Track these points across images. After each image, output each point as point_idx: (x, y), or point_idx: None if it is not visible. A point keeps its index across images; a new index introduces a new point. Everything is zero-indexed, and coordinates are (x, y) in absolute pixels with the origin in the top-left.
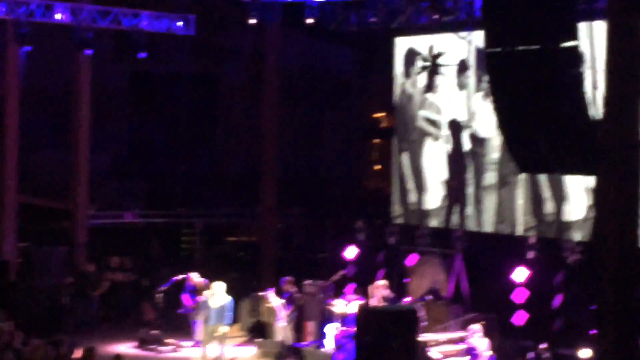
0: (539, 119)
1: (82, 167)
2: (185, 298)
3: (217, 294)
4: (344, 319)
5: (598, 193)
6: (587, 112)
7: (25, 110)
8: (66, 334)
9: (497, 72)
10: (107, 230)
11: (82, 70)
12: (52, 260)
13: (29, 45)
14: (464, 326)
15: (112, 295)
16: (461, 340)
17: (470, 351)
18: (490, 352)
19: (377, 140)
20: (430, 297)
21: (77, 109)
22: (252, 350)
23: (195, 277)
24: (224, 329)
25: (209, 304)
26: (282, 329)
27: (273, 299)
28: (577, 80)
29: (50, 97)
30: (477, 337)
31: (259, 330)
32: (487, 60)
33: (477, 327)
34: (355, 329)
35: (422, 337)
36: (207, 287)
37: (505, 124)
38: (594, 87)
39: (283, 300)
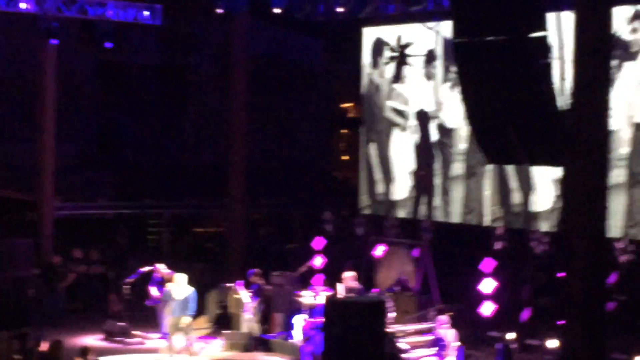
0: (507, 109)
1: (48, 158)
2: (152, 289)
3: (180, 286)
4: (312, 311)
5: (565, 184)
6: (555, 103)
7: None
8: (33, 327)
9: (465, 63)
10: (74, 221)
11: (47, 60)
12: (18, 253)
13: None
14: (431, 317)
15: (79, 288)
16: (429, 331)
17: (438, 342)
18: (458, 343)
19: (345, 131)
20: (398, 288)
21: (43, 99)
22: (219, 342)
23: (162, 269)
24: (187, 320)
25: (173, 295)
26: (248, 320)
27: (241, 291)
28: (546, 70)
29: (15, 87)
30: (445, 328)
31: (226, 322)
32: (455, 51)
33: (444, 318)
34: (323, 320)
35: (390, 328)
36: (173, 278)
37: (473, 114)
38: (562, 78)
39: (250, 292)
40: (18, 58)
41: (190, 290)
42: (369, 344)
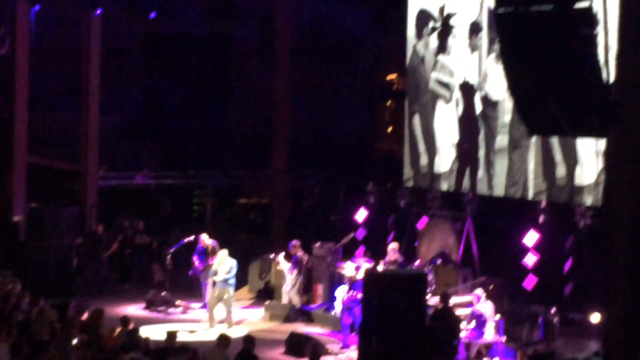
0: (550, 80)
1: (92, 128)
2: (195, 260)
3: (222, 260)
4: (354, 283)
5: (610, 156)
6: (600, 74)
7: (35, 70)
8: (75, 296)
9: (508, 34)
10: (118, 191)
11: (92, 30)
12: (62, 221)
13: (38, 4)
14: (473, 290)
15: (122, 257)
16: (470, 304)
17: (477, 316)
18: (497, 316)
19: (389, 103)
20: (440, 260)
21: (87, 70)
22: (261, 313)
23: (205, 239)
24: (230, 292)
25: (218, 270)
26: (287, 292)
27: (282, 262)
28: (590, 41)
29: (60, 57)
30: (483, 302)
31: (268, 293)
32: (497, 21)
33: (480, 293)
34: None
35: (431, 301)
36: (216, 249)
37: (515, 86)
38: (607, 49)
39: (290, 264)
40: (63, 28)
41: (232, 263)
42: (407, 316)
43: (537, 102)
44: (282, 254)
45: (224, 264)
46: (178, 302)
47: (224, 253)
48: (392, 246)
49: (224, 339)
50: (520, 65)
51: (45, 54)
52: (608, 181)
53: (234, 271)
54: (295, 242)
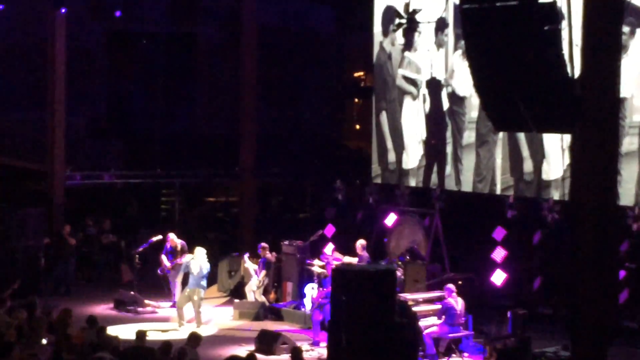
0: (515, 76)
1: (58, 128)
2: (164, 259)
3: (198, 260)
4: (323, 279)
5: (574, 151)
6: (564, 69)
7: (0, 69)
8: (43, 296)
9: (473, 30)
10: (85, 191)
11: (57, 30)
12: (28, 222)
13: (1, 4)
14: (441, 286)
15: (90, 257)
16: (439, 300)
17: (447, 311)
18: (466, 312)
19: (357, 100)
20: (408, 257)
21: (52, 69)
22: (230, 311)
23: (173, 238)
24: (200, 293)
25: (190, 268)
26: (252, 292)
27: (248, 262)
28: (555, 36)
29: (25, 56)
30: (454, 297)
31: (237, 291)
32: (462, 17)
33: (452, 287)
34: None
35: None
36: (184, 248)
37: (480, 82)
38: (571, 44)
39: (256, 266)
40: (27, 27)
41: (206, 266)
42: (377, 312)
43: (503, 98)
44: (247, 254)
45: (197, 261)
46: (147, 301)
47: (201, 252)
48: (360, 243)
49: (194, 338)
50: (486, 61)
51: (10, 53)
52: (573, 175)
53: (205, 272)
54: (263, 244)
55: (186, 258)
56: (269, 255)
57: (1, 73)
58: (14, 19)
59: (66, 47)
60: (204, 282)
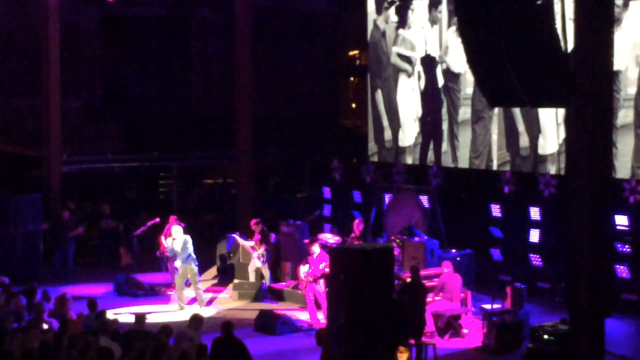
0: (508, 51)
1: (53, 113)
2: (163, 241)
3: (177, 238)
4: (312, 258)
5: (570, 124)
6: (558, 44)
7: None
8: (43, 282)
9: (465, 5)
10: (82, 176)
11: (50, 15)
12: (26, 208)
13: None
14: (439, 263)
15: (89, 241)
16: (437, 277)
17: (446, 288)
18: (464, 288)
19: (352, 78)
20: (406, 234)
21: (47, 54)
22: (229, 292)
23: (172, 221)
24: (193, 269)
25: (175, 248)
26: (255, 269)
27: (241, 241)
28: (547, 10)
29: (19, 42)
30: (451, 273)
31: (234, 272)
32: None
33: (449, 263)
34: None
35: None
36: (185, 231)
37: (474, 57)
38: (564, 18)
39: (252, 242)
40: (21, 12)
41: (185, 239)
42: (374, 291)
43: (496, 74)
44: (237, 234)
45: (177, 240)
46: (146, 284)
47: (177, 229)
48: (357, 222)
49: (196, 319)
50: (478, 37)
51: (4, 39)
52: (568, 149)
53: (190, 246)
54: (254, 220)
55: (168, 242)
56: (258, 228)
57: None
58: (8, 4)
59: (60, 32)
60: (192, 256)
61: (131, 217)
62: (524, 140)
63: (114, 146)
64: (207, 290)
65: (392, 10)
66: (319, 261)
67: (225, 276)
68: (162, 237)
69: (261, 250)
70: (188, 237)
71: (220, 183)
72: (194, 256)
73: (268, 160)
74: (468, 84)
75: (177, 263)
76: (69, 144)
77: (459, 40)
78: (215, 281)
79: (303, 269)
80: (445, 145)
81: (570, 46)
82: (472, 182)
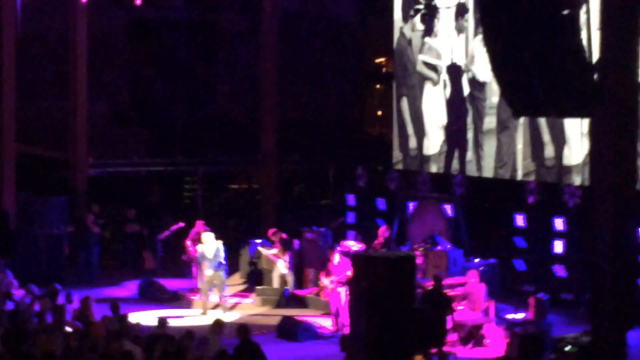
0: (533, 61)
1: (80, 116)
2: (189, 245)
3: (209, 244)
4: (333, 266)
5: (594, 135)
6: (583, 54)
7: (23, 58)
8: (67, 284)
9: (490, 14)
10: (108, 179)
11: (78, 18)
12: (52, 210)
13: None
14: (463, 272)
15: (114, 245)
16: (460, 286)
17: (469, 298)
18: (488, 298)
19: (378, 85)
20: (429, 243)
21: (75, 57)
22: (252, 298)
23: (199, 225)
24: (221, 276)
25: (205, 254)
26: (280, 276)
27: (264, 251)
28: (573, 21)
29: (47, 45)
30: (476, 283)
31: (258, 278)
32: (480, 2)
33: (473, 273)
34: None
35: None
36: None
37: (498, 67)
38: (589, 29)
39: (275, 250)
40: (49, 16)
41: (217, 245)
42: (398, 299)
43: (521, 84)
44: (261, 242)
45: (208, 246)
46: (170, 289)
47: (208, 236)
48: (382, 229)
49: (217, 325)
50: (503, 46)
51: (32, 42)
52: (592, 160)
53: (222, 253)
54: (271, 230)
55: (199, 247)
56: (281, 235)
57: (24, 62)
58: (36, 7)
59: (88, 35)
60: (223, 265)
61: (156, 221)
62: (549, 151)
63: (140, 150)
64: (232, 296)
65: (418, 18)
66: (340, 268)
67: (253, 282)
68: (188, 242)
69: (285, 257)
70: (220, 244)
71: (246, 188)
72: (225, 263)
73: (292, 167)
74: (493, 93)
75: (208, 271)
76: (95, 147)
77: (485, 49)
78: (242, 287)
79: (325, 280)
80: (469, 155)
81: (596, 57)
82: (497, 191)
